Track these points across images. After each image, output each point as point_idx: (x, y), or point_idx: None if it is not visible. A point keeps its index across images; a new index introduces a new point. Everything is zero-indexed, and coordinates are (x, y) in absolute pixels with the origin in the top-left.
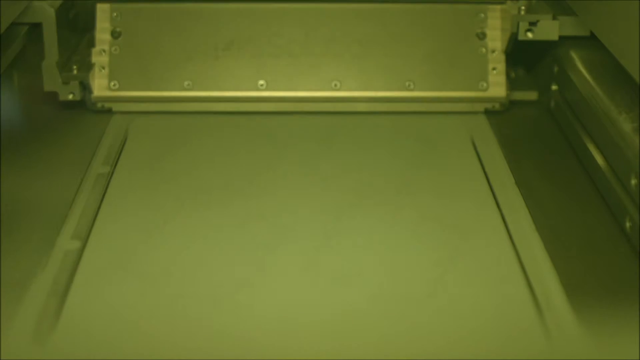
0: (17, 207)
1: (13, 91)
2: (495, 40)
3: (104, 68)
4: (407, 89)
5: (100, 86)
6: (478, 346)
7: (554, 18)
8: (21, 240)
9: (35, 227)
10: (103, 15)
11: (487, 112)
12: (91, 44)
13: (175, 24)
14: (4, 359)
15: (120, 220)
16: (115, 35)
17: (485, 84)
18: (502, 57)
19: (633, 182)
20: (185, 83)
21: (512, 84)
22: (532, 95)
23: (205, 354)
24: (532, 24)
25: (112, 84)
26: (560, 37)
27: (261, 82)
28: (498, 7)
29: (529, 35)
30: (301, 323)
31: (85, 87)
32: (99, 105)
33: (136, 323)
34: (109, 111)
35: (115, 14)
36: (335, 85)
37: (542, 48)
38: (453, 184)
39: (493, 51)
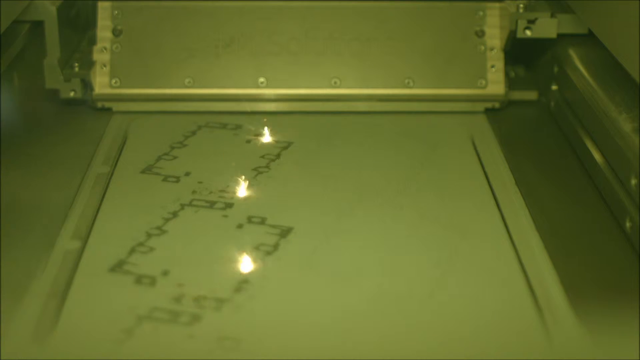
0: (17, 207)
1: (13, 90)
2: (494, 38)
3: (105, 66)
4: (407, 86)
5: (101, 84)
6: (478, 346)
7: (553, 16)
8: (21, 240)
9: (35, 227)
10: (104, 13)
11: (487, 112)
12: (92, 41)
13: (176, 21)
14: (4, 359)
15: (120, 220)
16: (116, 33)
17: (484, 82)
18: (501, 55)
19: (633, 182)
20: (186, 80)
21: (512, 83)
22: (532, 95)
23: (204, 354)
24: (531, 21)
25: (114, 81)
26: (559, 35)
27: (261, 79)
28: (497, 5)
29: (528, 33)
30: (301, 323)
31: (87, 85)
32: (99, 104)
33: (136, 323)
34: (109, 110)
35: (116, 12)
36: (335, 82)
37: (541, 46)
38: (453, 184)
39: (492, 49)
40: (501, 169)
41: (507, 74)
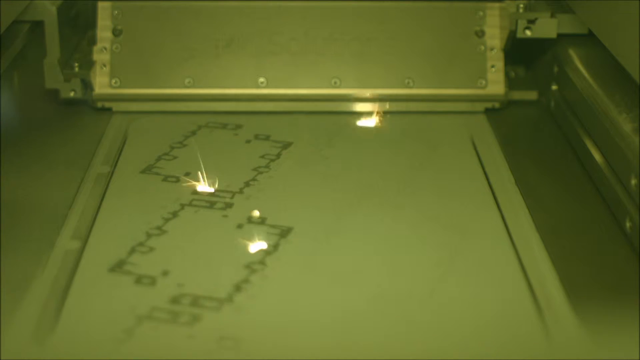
0: (17, 207)
1: (13, 90)
2: (494, 38)
3: (105, 66)
4: (407, 86)
5: (101, 84)
6: (478, 346)
7: (553, 16)
8: (21, 240)
9: (35, 227)
10: (104, 13)
11: (487, 112)
12: (92, 42)
13: (176, 21)
14: (4, 359)
15: (120, 220)
16: (116, 33)
17: (484, 82)
18: (501, 55)
19: (633, 182)
20: (186, 80)
21: (512, 83)
22: (531, 95)
23: (204, 354)
24: (531, 21)
25: (114, 81)
26: (559, 35)
27: (261, 79)
28: (497, 5)
29: (528, 33)
30: (301, 323)
31: (87, 85)
32: (99, 103)
33: (136, 323)
34: (110, 110)
35: (116, 12)
36: (335, 82)
37: (541, 46)
38: (453, 184)
39: (492, 49)
40: (501, 169)
41: (507, 74)
